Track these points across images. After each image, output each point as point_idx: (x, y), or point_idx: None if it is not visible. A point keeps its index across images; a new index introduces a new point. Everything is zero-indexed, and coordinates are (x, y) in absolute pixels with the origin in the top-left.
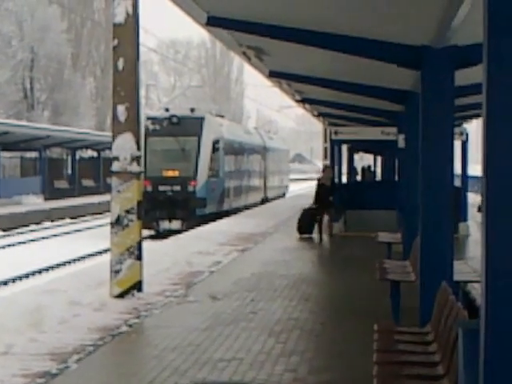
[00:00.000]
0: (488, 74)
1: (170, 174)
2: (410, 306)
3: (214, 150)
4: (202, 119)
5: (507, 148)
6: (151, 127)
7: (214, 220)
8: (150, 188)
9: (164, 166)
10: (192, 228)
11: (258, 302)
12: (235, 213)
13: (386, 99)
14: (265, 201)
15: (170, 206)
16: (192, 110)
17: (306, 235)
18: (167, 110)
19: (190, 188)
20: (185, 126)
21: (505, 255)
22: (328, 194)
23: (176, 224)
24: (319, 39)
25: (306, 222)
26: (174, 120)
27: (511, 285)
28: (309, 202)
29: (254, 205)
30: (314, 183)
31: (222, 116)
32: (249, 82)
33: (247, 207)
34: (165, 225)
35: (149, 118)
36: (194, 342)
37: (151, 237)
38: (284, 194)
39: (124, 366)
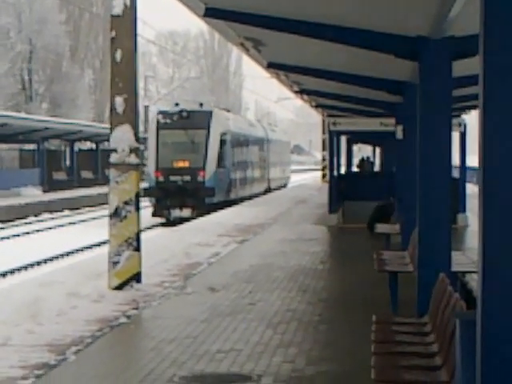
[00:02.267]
0: (484, 64)
1: (181, 164)
2: (408, 297)
3: (222, 142)
4: (210, 113)
5: (503, 139)
6: (162, 121)
7: (221, 208)
8: (161, 178)
9: (175, 158)
10: (201, 216)
11: (256, 294)
12: (241, 202)
13: (384, 90)
14: (268, 191)
15: (181, 195)
16: (201, 104)
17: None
18: (177, 104)
19: (200, 178)
20: (194, 120)
21: (501, 246)
22: None
23: (186, 212)
24: (317, 30)
25: (377, 218)
26: (184, 114)
27: (507, 275)
28: (309, 193)
29: (258, 194)
30: (313, 174)
31: (228, 110)
32: (247, 73)
33: (252, 197)
34: (176, 213)
35: (160, 112)
36: (192, 334)
37: (162, 224)
38: (285, 185)
39: (122, 357)
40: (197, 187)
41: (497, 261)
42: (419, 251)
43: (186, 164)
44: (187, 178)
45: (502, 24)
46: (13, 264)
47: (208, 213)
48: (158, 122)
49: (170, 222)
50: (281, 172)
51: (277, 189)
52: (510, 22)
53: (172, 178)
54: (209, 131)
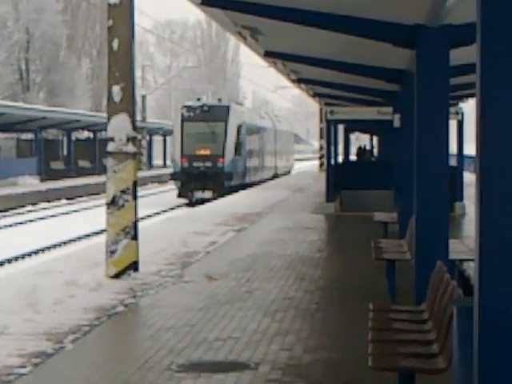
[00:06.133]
0: (481, 53)
1: (203, 152)
2: (405, 285)
3: (238, 132)
4: (228, 107)
5: (500, 127)
6: (186, 114)
7: (237, 191)
8: (186, 164)
9: (197, 146)
10: (221, 197)
11: (254, 282)
12: (254, 185)
13: (381, 79)
14: (275, 176)
15: (203, 178)
16: (219, 99)
17: None
18: (199, 99)
19: (219, 164)
20: (214, 113)
21: (498, 233)
22: None
23: (207, 194)
24: (314, 19)
25: None
26: (205, 108)
27: (504, 263)
28: (307, 181)
29: (267, 179)
30: (311, 163)
31: (242, 104)
32: (245, 62)
33: (262, 181)
34: (198, 194)
35: (184, 106)
36: (189, 322)
37: (186, 204)
38: (289, 172)
39: (120, 345)
40: (217, 172)
41: (494, 248)
42: (417, 239)
43: (208, 152)
44: (208, 164)
45: (498, 12)
46: (10, 253)
47: (226, 194)
48: (182, 115)
49: (193, 203)
50: (286, 160)
51: (283, 175)
52: (507, 10)
53: (195, 164)
54: (227, 123)
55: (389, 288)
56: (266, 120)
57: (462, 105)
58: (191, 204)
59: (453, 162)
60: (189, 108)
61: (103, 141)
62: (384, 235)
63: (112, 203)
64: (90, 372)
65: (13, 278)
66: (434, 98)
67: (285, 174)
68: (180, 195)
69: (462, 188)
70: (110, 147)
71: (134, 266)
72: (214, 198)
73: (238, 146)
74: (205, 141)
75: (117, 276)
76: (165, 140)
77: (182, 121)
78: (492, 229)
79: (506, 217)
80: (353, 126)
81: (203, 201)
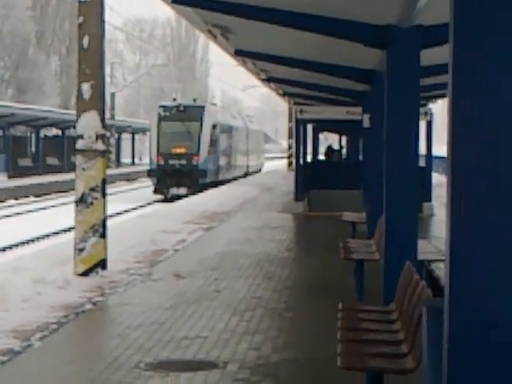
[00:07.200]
0: (454, 53)
1: (178, 150)
2: (374, 285)
3: (212, 132)
4: (203, 107)
5: (472, 128)
6: (162, 113)
7: (212, 187)
8: (162, 162)
9: (173, 144)
10: (195, 193)
11: (222, 281)
12: (227, 183)
13: (351, 78)
14: (247, 174)
15: (178, 176)
16: (194, 100)
17: None
18: (174, 99)
19: (194, 162)
20: (189, 113)
21: (469, 235)
22: None
23: (182, 190)
24: (285, 18)
25: None
26: (181, 108)
27: (474, 264)
28: (275, 180)
29: (239, 177)
30: (279, 162)
31: (215, 104)
32: (214, 61)
33: (234, 179)
34: (173, 191)
35: (160, 106)
36: (157, 321)
37: (162, 201)
38: (260, 170)
39: (88, 343)
40: (192, 169)
41: (464, 249)
42: (385, 239)
43: (183, 150)
44: (184, 161)
45: (471, 13)
46: None
47: (200, 191)
48: (159, 114)
49: (168, 199)
50: (257, 159)
51: (253, 173)
52: (480, 11)
53: (171, 161)
54: (202, 122)
55: (357, 288)
56: (238, 120)
57: (431, 105)
58: (167, 200)
59: (421, 162)
60: (165, 108)
61: (71, 138)
62: (352, 235)
63: (81, 201)
64: (58, 370)
65: None
66: (403, 98)
67: (255, 172)
68: (156, 191)
69: (431, 189)
70: (79, 145)
71: (103, 263)
72: (189, 195)
73: (212, 145)
74: (180, 139)
75: (85, 274)
76: (133, 138)
77: (159, 120)
78: (463, 230)
79: (477, 218)
80: (322, 125)
81: (178, 197)
